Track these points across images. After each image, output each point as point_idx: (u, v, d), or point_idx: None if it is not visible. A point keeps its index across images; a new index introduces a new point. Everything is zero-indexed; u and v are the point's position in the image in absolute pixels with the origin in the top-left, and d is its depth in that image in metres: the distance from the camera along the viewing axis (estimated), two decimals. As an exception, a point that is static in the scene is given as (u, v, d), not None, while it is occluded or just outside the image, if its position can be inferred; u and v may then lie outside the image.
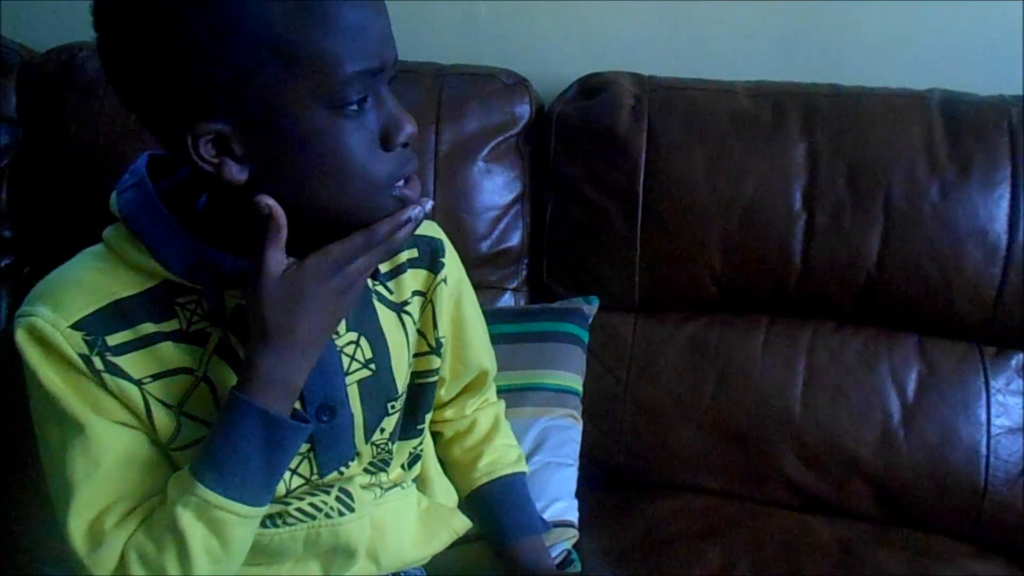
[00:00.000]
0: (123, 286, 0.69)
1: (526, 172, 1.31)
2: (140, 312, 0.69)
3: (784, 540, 1.11)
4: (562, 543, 1.05)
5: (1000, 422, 1.17)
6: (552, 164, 1.28)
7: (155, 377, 0.69)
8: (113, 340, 0.68)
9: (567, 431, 1.15)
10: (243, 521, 0.67)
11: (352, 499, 0.78)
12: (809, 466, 1.18)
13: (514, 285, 1.32)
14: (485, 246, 1.28)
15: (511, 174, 1.30)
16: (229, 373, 0.71)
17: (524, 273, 1.33)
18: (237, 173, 0.64)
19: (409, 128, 0.67)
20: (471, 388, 0.96)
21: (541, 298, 1.31)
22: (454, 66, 1.31)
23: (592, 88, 1.28)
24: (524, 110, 1.29)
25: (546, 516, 1.04)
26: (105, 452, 0.68)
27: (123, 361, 0.68)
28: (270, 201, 0.64)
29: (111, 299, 0.68)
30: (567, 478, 1.12)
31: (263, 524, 0.74)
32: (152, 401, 0.69)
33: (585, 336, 1.22)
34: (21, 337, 0.67)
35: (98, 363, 0.67)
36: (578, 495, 1.12)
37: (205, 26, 0.59)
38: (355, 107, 0.64)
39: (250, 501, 0.66)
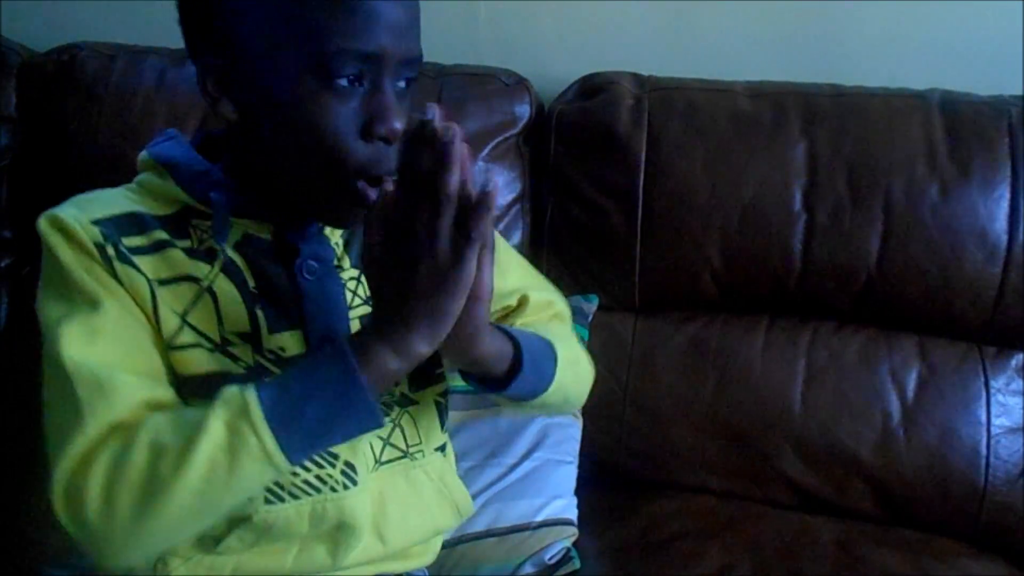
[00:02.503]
0: (146, 207, 0.73)
1: (526, 172, 1.31)
2: (156, 224, 0.72)
3: (784, 540, 1.10)
4: (561, 541, 1.05)
5: (1000, 422, 1.17)
6: (552, 164, 1.28)
7: (163, 283, 0.71)
8: (127, 242, 0.71)
9: (567, 429, 1.15)
10: (259, 462, 0.62)
11: (355, 472, 0.77)
12: (809, 466, 1.18)
13: (514, 285, 1.32)
14: (485, 246, 1.28)
15: (511, 174, 1.30)
16: (233, 289, 0.73)
17: (524, 273, 1.33)
18: (230, 112, 0.70)
19: (394, 124, 0.67)
20: (513, 312, 0.89)
21: (541, 298, 1.31)
22: (454, 66, 1.31)
23: (592, 88, 1.28)
24: (524, 110, 1.29)
25: (545, 514, 1.05)
26: (106, 328, 0.68)
27: (135, 260, 0.70)
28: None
29: (131, 210, 0.73)
30: (567, 475, 1.12)
31: (268, 501, 0.73)
32: (160, 300, 0.70)
33: (585, 335, 1.22)
34: (43, 226, 0.70)
35: (111, 251, 0.69)
36: (578, 495, 1.12)
37: None
38: (344, 84, 0.66)
39: (282, 446, 0.62)
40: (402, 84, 0.70)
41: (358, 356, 0.64)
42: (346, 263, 0.78)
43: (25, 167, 1.33)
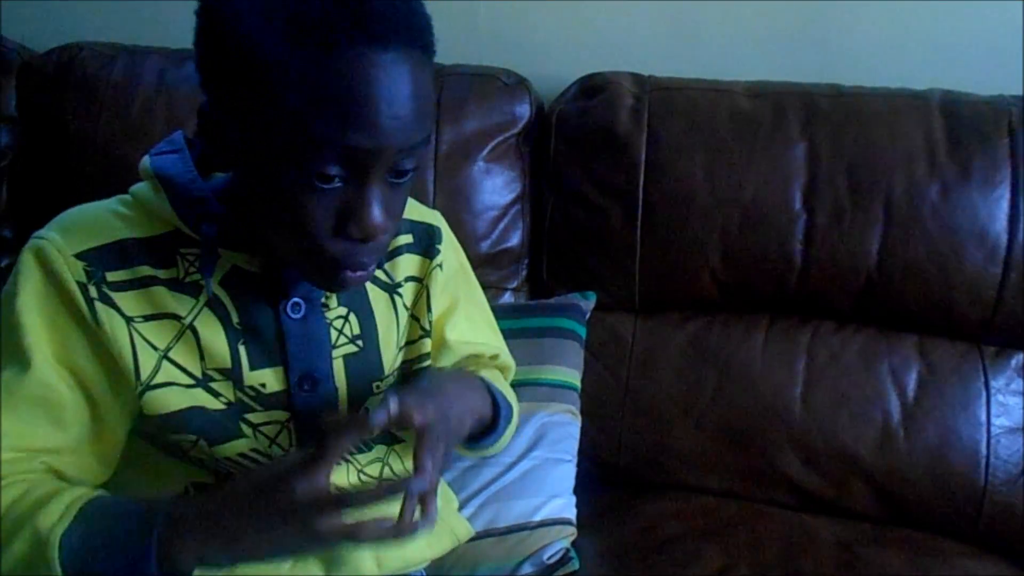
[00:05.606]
0: (134, 230, 0.72)
1: (526, 172, 1.31)
2: (142, 255, 0.71)
3: (784, 540, 1.10)
4: (560, 541, 1.05)
5: (1000, 422, 1.17)
6: (552, 164, 1.28)
7: (145, 319, 0.71)
8: (112, 277, 0.70)
9: (565, 427, 1.15)
10: None
11: None
12: (809, 466, 1.18)
13: (514, 285, 1.32)
14: (485, 246, 1.28)
15: (511, 174, 1.30)
16: (217, 325, 0.72)
17: (524, 273, 1.33)
18: (222, 166, 0.71)
19: (369, 224, 0.63)
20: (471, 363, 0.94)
21: (541, 298, 1.31)
22: (454, 66, 1.31)
23: (592, 88, 1.28)
24: (524, 110, 1.29)
25: (544, 513, 1.04)
26: (21, 394, 0.68)
27: (118, 298, 0.70)
28: None
29: (117, 238, 0.71)
30: (565, 474, 1.12)
31: None
32: (138, 339, 0.70)
33: (582, 331, 1.22)
34: (27, 257, 0.70)
35: (94, 292, 0.69)
36: (577, 494, 1.12)
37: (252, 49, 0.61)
38: (322, 183, 0.62)
39: None
40: (399, 176, 0.65)
41: (168, 529, 0.63)
42: (332, 301, 0.77)
43: (25, 167, 1.33)
